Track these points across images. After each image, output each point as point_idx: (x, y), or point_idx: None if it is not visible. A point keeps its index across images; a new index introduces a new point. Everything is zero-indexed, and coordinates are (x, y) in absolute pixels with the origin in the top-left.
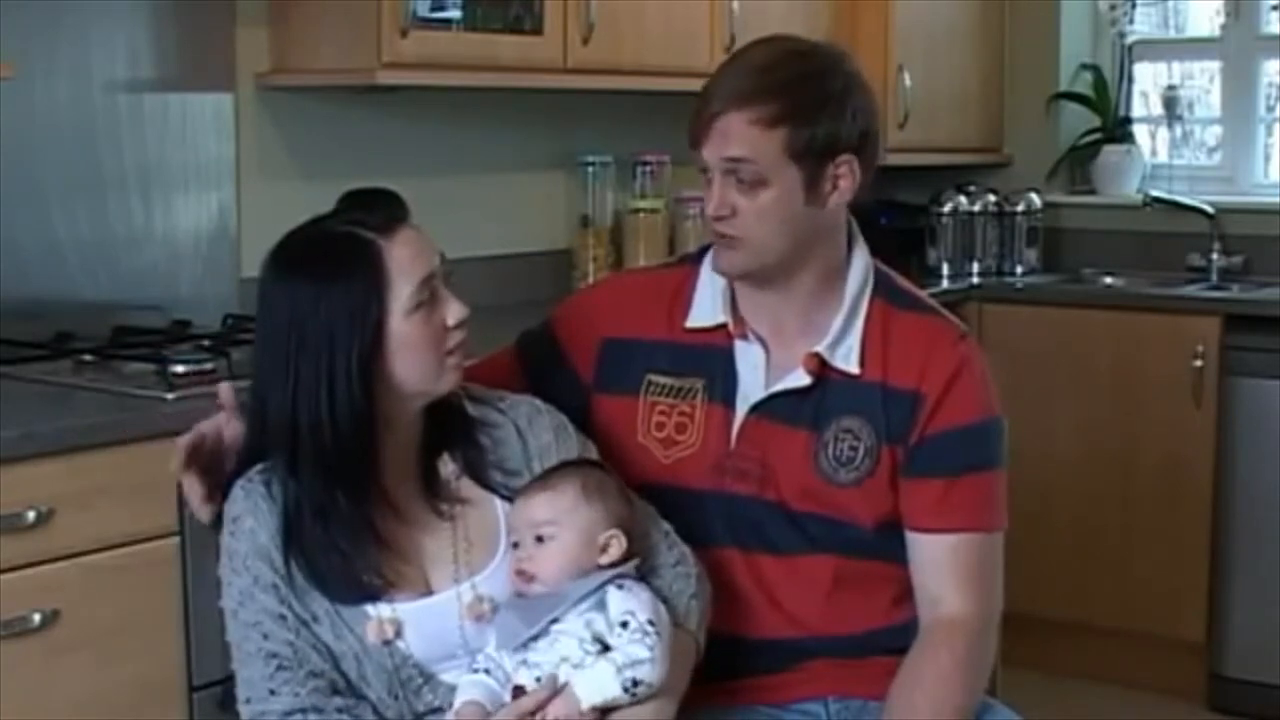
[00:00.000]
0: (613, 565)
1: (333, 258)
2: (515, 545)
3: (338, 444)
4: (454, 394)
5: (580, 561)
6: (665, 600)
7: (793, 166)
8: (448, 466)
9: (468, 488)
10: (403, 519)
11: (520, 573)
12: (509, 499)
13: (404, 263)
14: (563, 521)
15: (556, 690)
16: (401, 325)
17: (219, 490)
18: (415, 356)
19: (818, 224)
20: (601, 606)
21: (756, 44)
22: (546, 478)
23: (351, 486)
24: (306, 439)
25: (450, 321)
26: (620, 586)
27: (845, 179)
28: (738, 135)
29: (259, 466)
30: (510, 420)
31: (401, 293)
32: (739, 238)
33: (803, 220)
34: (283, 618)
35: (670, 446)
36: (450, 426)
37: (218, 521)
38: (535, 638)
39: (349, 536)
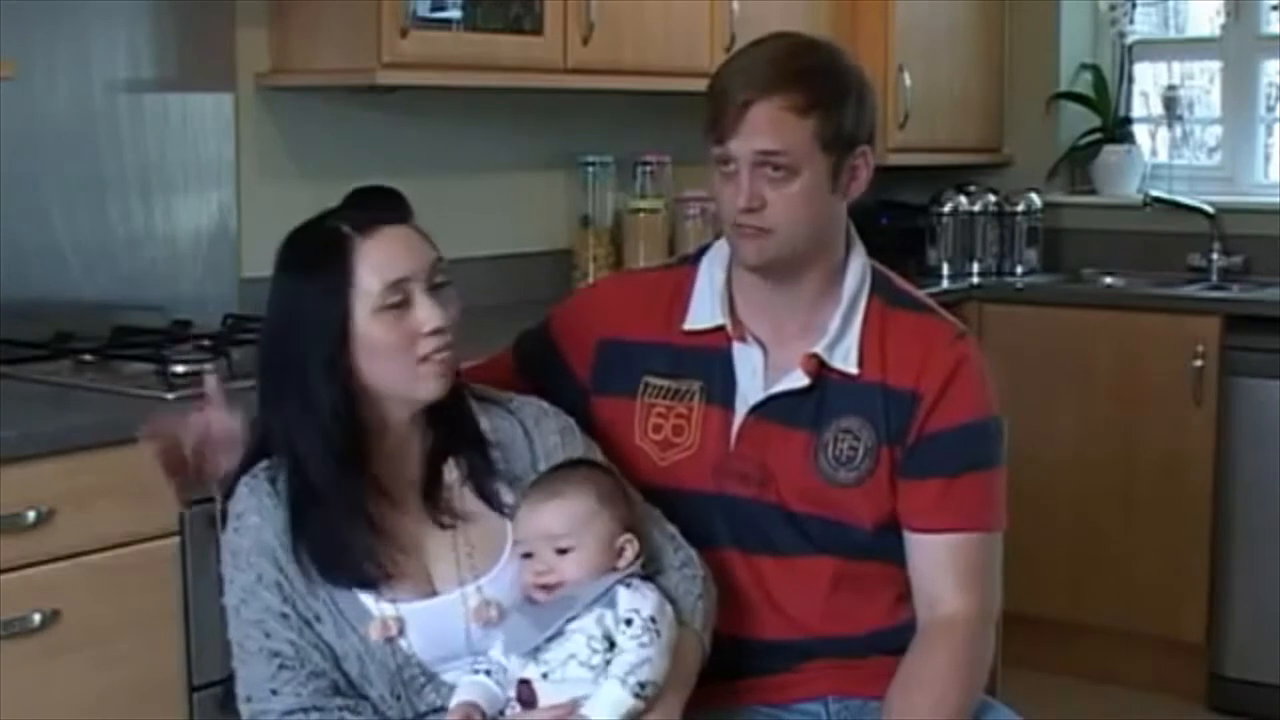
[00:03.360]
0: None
1: (308, 252)
2: (528, 556)
3: (324, 438)
4: (463, 401)
5: (599, 568)
6: (672, 601)
7: (821, 155)
8: (452, 473)
9: (471, 500)
10: (402, 515)
11: (543, 587)
12: (511, 517)
13: (376, 260)
14: (581, 532)
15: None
16: (368, 325)
17: (202, 473)
18: (383, 359)
19: (835, 215)
20: (611, 604)
21: (767, 38)
22: (552, 484)
23: (342, 483)
24: (296, 432)
25: (424, 328)
26: (628, 585)
27: (862, 169)
28: (770, 125)
29: (264, 463)
30: (518, 420)
31: (369, 291)
32: (767, 229)
33: (826, 209)
34: (285, 616)
35: (667, 449)
36: (458, 436)
37: (220, 518)
38: (549, 638)
39: (346, 527)
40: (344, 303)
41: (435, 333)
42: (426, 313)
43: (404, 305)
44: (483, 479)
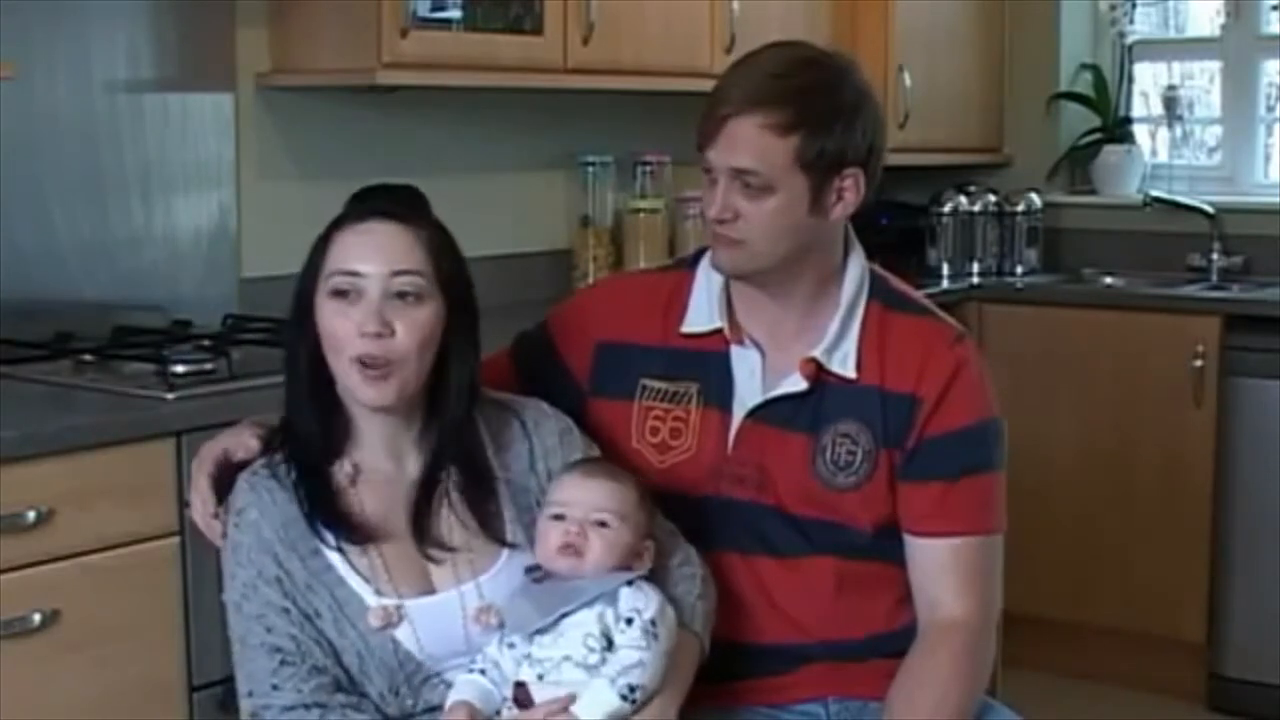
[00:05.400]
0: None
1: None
2: (560, 517)
3: (299, 409)
4: (476, 442)
5: (622, 561)
6: (671, 600)
7: (800, 176)
8: (446, 494)
9: (466, 521)
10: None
11: (568, 546)
12: (513, 545)
13: (342, 248)
14: (624, 516)
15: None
16: (321, 306)
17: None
18: (326, 345)
19: (818, 233)
20: (613, 601)
21: (769, 48)
22: (603, 466)
23: (317, 460)
24: (287, 385)
25: (359, 328)
26: (631, 584)
27: (850, 192)
28: (748, 141)
29: (262, 459)
30: (518, 421)
31: (326, 273)
32: (740, 240)
33: (804, 229)
34: (286, 611)
35: (665, 451)
36: (455, 455)
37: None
38: (542, 630)
39: (328, 494)
40: (311, 282)
41: (366, 336)
42: (363, 315)
43: (352, 298)
44: (483, 508)
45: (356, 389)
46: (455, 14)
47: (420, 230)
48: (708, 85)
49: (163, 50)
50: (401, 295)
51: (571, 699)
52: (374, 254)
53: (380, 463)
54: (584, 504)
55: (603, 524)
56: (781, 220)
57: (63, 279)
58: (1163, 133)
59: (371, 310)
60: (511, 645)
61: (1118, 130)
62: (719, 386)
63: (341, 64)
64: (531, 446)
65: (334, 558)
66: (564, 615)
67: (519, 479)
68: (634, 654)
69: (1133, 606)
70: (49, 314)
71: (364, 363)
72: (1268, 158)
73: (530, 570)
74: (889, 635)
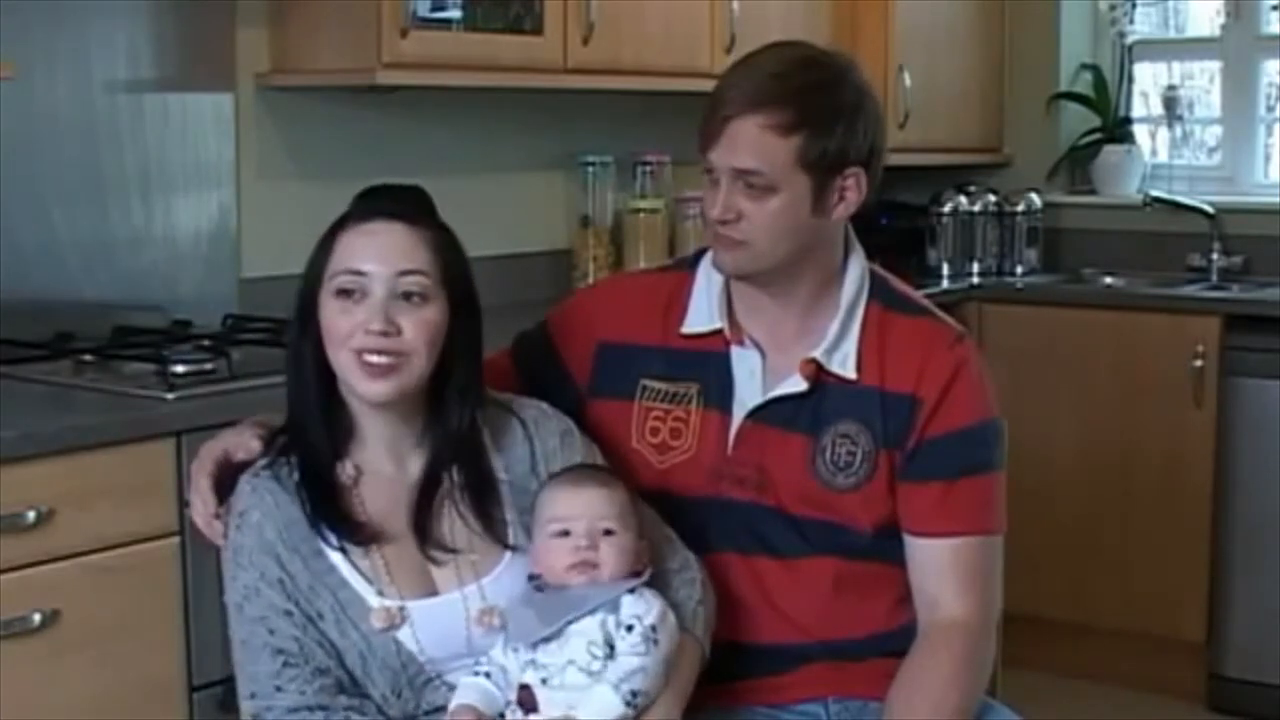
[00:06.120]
0: (635, 574)
1: (329, 225)
2: (565, 533)
3: (303, 409)
4: (477, 443)
5: (631, 564)
6: (672, 606)
7: (803, 176)
8: (447, 493)
9: (469, 521)
10: (395, 516)
11: (584, 563)
12: (513, 547)
13: (347, 247)
14: (624, 520)
15: None
16: (325, 304)
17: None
18: (329, 342)
19: (820, 233)
20: (614, 609)
21: (769, 48)
22: (590, 473)
23: (321, 461)
24: (290, 389)
25: (363, 325)
26: (632, 591)
27: (852, 191)
28: (750, 142)
29: (263, 461)
30: (519, 421)
31: (331, 271)
32: (742, 241)
33: (806, 229)
34: (289, 613)
35: (665, 452)
36: (456, 452)
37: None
38: (546, 638)
39: (330, 495)
40: (316, 279)
41: (371, 334)
42: (368, 314)
43: (357, 298)
44: (485, 510)
45: (358, 382)
46: (455, 14)
47: (425, 230)
48: (708, 85)
49: (163, 50)
50: (407, 295)
51: None
52: (379, 254)
53: (382, 464)
54: (588, 515)
55: (609, 532)
56: (784, 220)
57: (63, 279)
58: (1163, 133)
59: (377, 310)
60: (516, 650)
61: (1118, 130)
62: (719, 387)
63: (341, 64)
64: (533, 449)
65: (336, 559)
66: (568, 624)
67: (520, 481)
68: (635, 660)
69: (1133, 606)
70: (49, 314)
71: (366, 356)
72: (1268, 158)
73: (533, 578)
74: (889, 635)
